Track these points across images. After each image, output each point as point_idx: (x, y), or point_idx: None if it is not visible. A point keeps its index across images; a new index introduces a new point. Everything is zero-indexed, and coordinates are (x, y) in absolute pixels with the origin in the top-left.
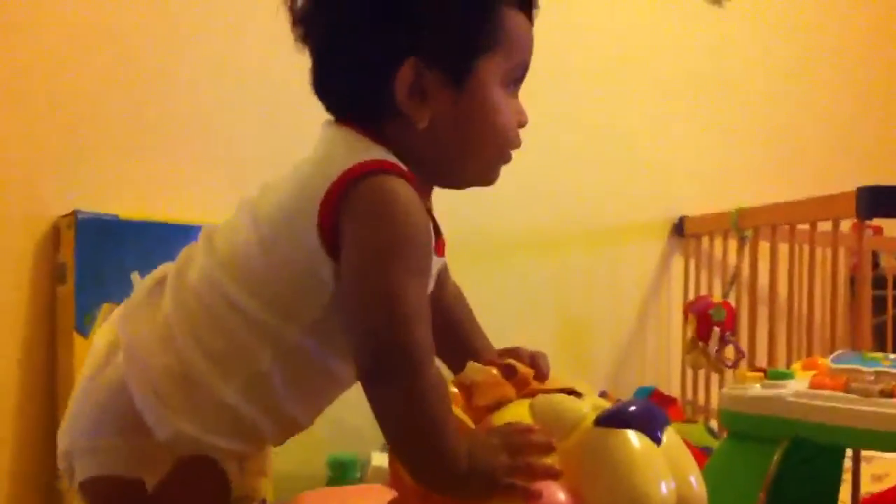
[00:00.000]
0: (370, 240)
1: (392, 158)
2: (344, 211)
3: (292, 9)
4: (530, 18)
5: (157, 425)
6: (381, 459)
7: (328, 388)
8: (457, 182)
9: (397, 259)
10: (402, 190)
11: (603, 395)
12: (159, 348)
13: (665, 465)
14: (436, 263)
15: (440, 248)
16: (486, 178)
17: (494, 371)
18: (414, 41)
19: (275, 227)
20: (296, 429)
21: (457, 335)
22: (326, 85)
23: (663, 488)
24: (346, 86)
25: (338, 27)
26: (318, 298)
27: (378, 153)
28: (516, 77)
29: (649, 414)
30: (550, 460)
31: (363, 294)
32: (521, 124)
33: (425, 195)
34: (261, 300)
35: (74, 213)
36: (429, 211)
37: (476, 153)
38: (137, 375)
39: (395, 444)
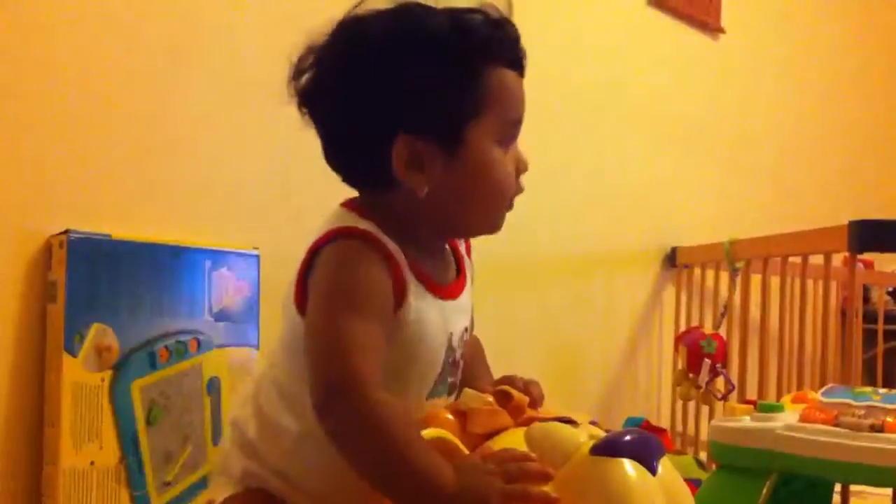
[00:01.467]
0: (319, 287)
1: (366, 225)
2: (309, 275)
3: (296, 89)
4: (520, 71)
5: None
6: None
7: None
8: (463, 234)
9: (339, 300)
10: (357, 247)
11: (593, 424)
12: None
13: (660, 494)
14: (455, 307)
15: (460, 285)
16: (491, 226)
17: (490, 398)
18: (403, 118)
19: (283, 310)
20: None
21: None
22: (333, 162)
23: None
24: (349, 163)
25: (333, 109)
26: None
27: (352, 221)
28: (510, 133)
29: (645, 443)
30: (546, 489)
31: (310, 335)
32: (521, 171)
33: (429, 246)
34: (294, 371)
35: (66, 232)
36: (455, 249)
37: (477, 210)
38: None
39: (360, 472)
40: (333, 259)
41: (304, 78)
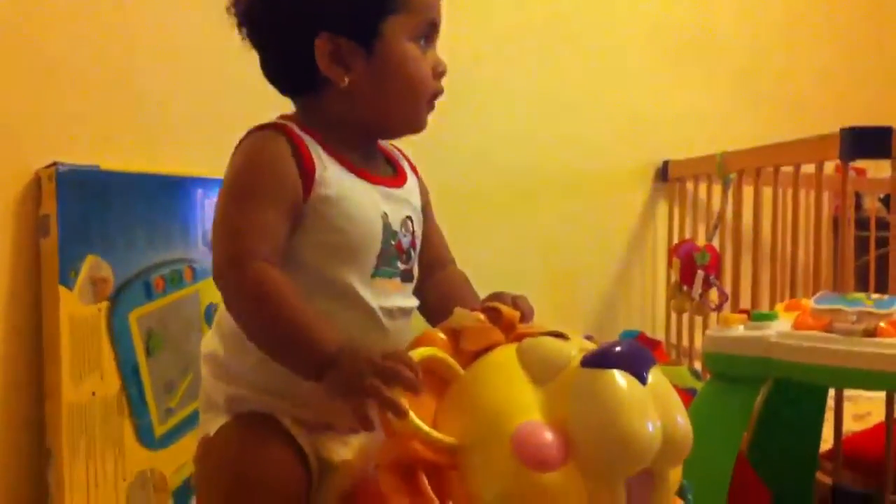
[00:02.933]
0: (225, 178)
1: (284, 121)
2: None
3: (236, 12)
4: None
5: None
6: None
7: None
8: (387, 132)
9: (236, 188)
10: (264, 137)
11: (588, 339)
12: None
13: (651, 404)
14: (390, 193)
15: (398, 181)
16: (412, 124)
17: (481, 316)
18: (324, 16)
19: None
20: None
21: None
22: (267, 72)
23: (649, 427)
24: (280, 69)
25: (260, 17)
26: None
27: (274, 121)
28: (425, 33)
29: (635, 354)
30: (538, 399)
31: (213, 221)
32: (439, 73)
33: (359, 147)
34: None
35: (55, 164)
36: (389, 157)
37: (397, 105)
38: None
39: (251, 339)
40: (241, 151)
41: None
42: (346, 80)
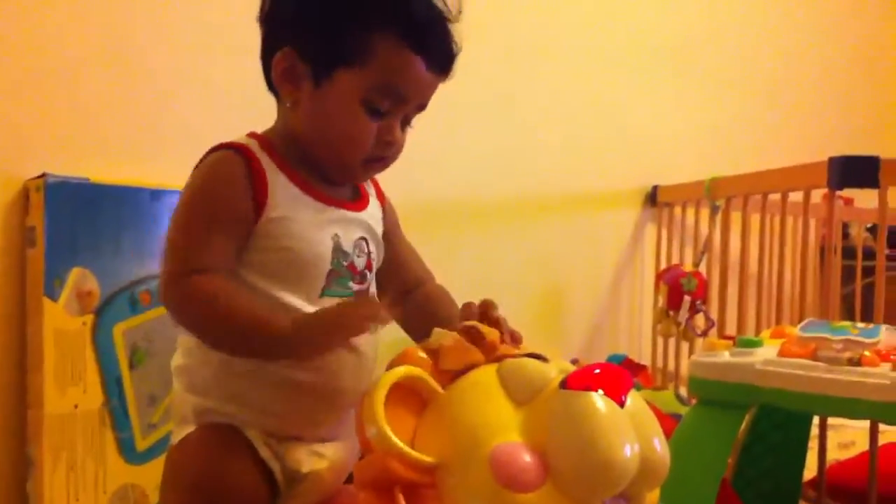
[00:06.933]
0: (180, 197)
1: (244, 141)
2: None
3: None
4: (433, 64)
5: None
6: None
7: None
8: (326, 168)
9: (187, 208)
10: (221, 160)
11: (574, 362)
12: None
13: (629, 427)
14: (343, 215)
15: (357, 205)
16: (345, 175)
17: (458, 337)
18: (293, 35)
19: None
20: (314, 392)
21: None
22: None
23: (627, 451)
24: (263, 67)
25: (263, 23)
26: None
27: (235, 140)
28: (382, 100)
29: (613, 376)
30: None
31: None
32: (384, 143)
33: (317, 165)
34: None
35: (44, 176)
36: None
37: (326, 149)
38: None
39: (204, 341)
40: (197, 173)
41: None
42: (290, 100)
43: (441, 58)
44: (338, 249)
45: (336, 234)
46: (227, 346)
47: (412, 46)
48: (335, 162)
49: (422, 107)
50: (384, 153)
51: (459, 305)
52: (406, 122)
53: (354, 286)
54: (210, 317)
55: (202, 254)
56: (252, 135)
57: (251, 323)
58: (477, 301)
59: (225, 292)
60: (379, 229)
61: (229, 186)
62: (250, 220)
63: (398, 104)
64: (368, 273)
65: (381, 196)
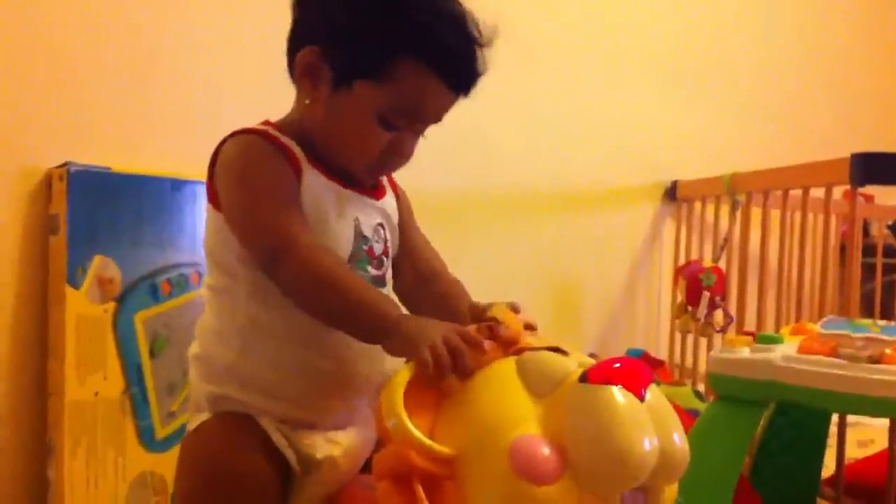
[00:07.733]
0: (228, 174)
1: (264, 128)
2: (215, 171)
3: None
4: (449, 80)
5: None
6: None
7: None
8: (340, 162)
9: (249, 177)
10: (249, 140)
11: (592, 356)
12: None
13: (648, 421)
14: (363, 201)
15: (375, 193)
16: (358, 173)
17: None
18: (322, 36)
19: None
20: (330, 378)
21: (449, 314)
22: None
23: (646, 444)
24: (288, 56)
25: (296, 8)
26: (236, 250)
27: (254, 126)
28: (398, 118)
29: (633, 371)
30: (536, 416)
31: (235, 218)
32: (395, 154)
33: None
34: (219, 271)
35: (66, 164)
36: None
37: (336, 148)
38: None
39: (315, 315)
40: (234, 149)
41: None
42: (308, 97)
43: (464, 81)
44: (358, 232)
45: (357, 218)
46: (330, 322)
47: (436, 72)
48: (342, 163)
49: (438, 121)
50: (392, 162)
51: (475, 301)
52: (419, 133)
53: (372, 270)
54: (320, 296)
55: (292, 226)
56: (267, 122)
57: (364, 299)
58: (484, 300)
59: (339, 265)
60: (395, 218)
61: (274, 161)
62: (298, 192)
63: (414, 122)
64: (385, 259)
65: (394, 186)
